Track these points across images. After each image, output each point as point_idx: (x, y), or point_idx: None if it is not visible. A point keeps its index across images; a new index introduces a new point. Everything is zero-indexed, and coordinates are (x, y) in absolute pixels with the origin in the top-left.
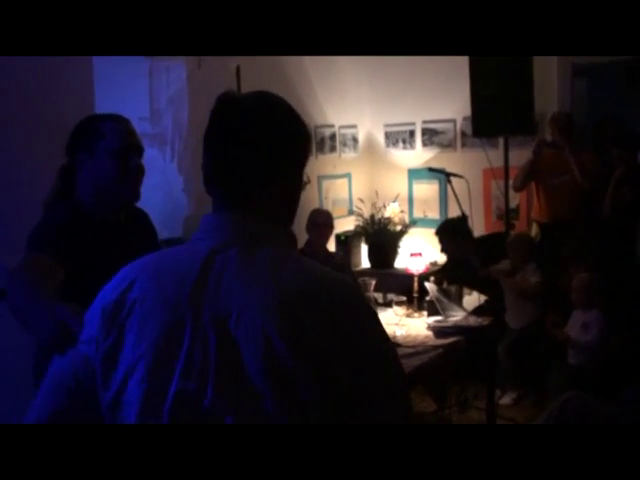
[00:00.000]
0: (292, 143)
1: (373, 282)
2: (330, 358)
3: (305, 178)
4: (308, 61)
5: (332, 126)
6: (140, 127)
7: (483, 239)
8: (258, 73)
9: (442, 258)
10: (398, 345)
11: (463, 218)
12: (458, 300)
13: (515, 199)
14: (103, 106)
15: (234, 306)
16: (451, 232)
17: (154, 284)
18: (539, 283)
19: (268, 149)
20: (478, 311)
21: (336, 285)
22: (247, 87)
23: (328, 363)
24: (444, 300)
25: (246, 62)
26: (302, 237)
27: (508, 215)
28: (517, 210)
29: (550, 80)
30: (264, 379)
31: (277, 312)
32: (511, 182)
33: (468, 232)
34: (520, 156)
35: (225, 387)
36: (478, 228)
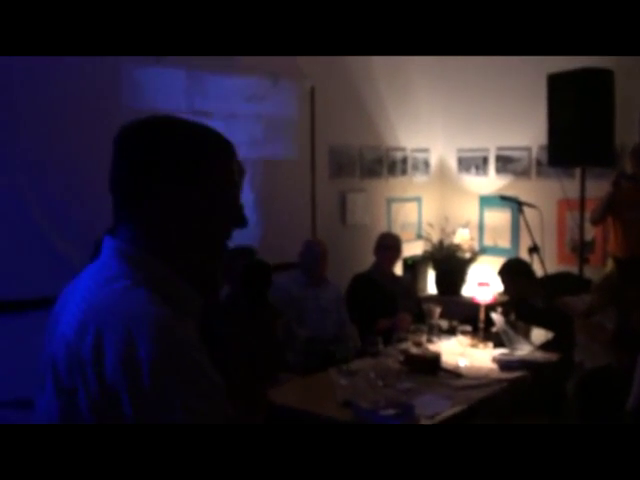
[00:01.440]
0: (166, 168)
1: (438, 309)
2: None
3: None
4: (382, 83)
5: (404, 149)
6: None
7: (551, 277)
8: (332, 94)
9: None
10: (459, 376)
11: (534, 249)
12: (526, 333)
13: (590, 232)
14: None
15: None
16: (512, 273)
17: (60, 297)
18: (615, 331)
19: (134, 174)
20: (546, 346)
21: (123, 317)
22: (321, 107)
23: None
24: (511, 332)
25: (320, 82)
26: (369, 259)
27: (583, 248)
28: (592, 243)
29: (631, 110)
30: (56, 396)
31: (62, 333)
32: (587, 214)
33: (530, 273)
34: (597, 188)
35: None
36: (550, 260)
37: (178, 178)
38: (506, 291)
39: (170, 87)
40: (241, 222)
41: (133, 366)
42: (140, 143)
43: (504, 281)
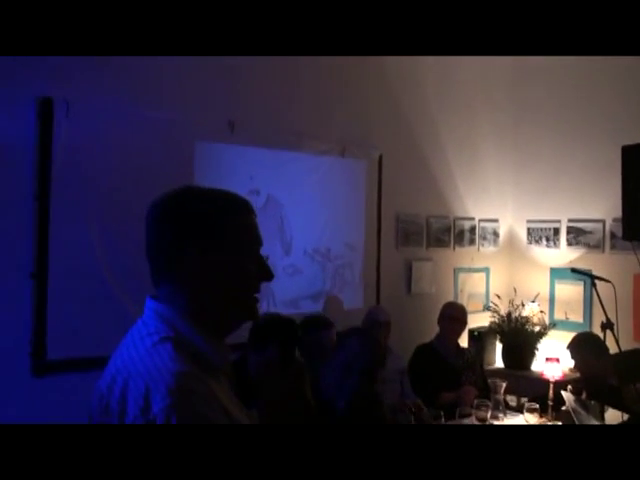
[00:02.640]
0: (186, 237)
1: (504, 384)
2: None
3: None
4: (450, 152)
5: (472, 219)
6: None
7: (626, 355)
8: (400, 162)
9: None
10: None
11: (608, 325)
12: (598, 414)
13: None
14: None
15: None
16: (581, 348)
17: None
18: None
19: (161, 243)
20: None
21: (144, 377)
22: (388, 176)
23: None
24: (582, 412)
25: (388, 151)
26: (434, 330)
27: None
28: None
29: None
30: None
31: (98, 385)
32: None
33: (602, 349)
34: None
35: None
36: (626, 337)
37: (208, 242)
38: (576, 367)
39: (239, 164)
40: (267, 275)
41: (147, 420)
42: (173, 214)
43: (573, 356)
